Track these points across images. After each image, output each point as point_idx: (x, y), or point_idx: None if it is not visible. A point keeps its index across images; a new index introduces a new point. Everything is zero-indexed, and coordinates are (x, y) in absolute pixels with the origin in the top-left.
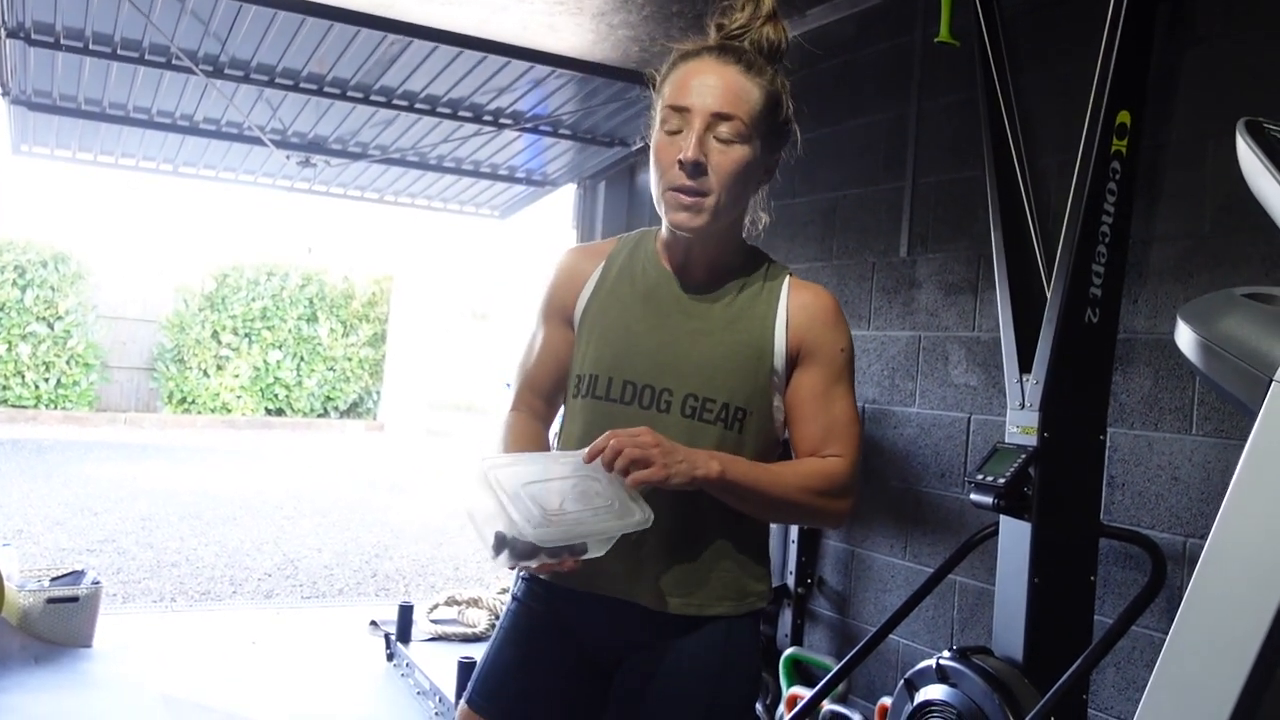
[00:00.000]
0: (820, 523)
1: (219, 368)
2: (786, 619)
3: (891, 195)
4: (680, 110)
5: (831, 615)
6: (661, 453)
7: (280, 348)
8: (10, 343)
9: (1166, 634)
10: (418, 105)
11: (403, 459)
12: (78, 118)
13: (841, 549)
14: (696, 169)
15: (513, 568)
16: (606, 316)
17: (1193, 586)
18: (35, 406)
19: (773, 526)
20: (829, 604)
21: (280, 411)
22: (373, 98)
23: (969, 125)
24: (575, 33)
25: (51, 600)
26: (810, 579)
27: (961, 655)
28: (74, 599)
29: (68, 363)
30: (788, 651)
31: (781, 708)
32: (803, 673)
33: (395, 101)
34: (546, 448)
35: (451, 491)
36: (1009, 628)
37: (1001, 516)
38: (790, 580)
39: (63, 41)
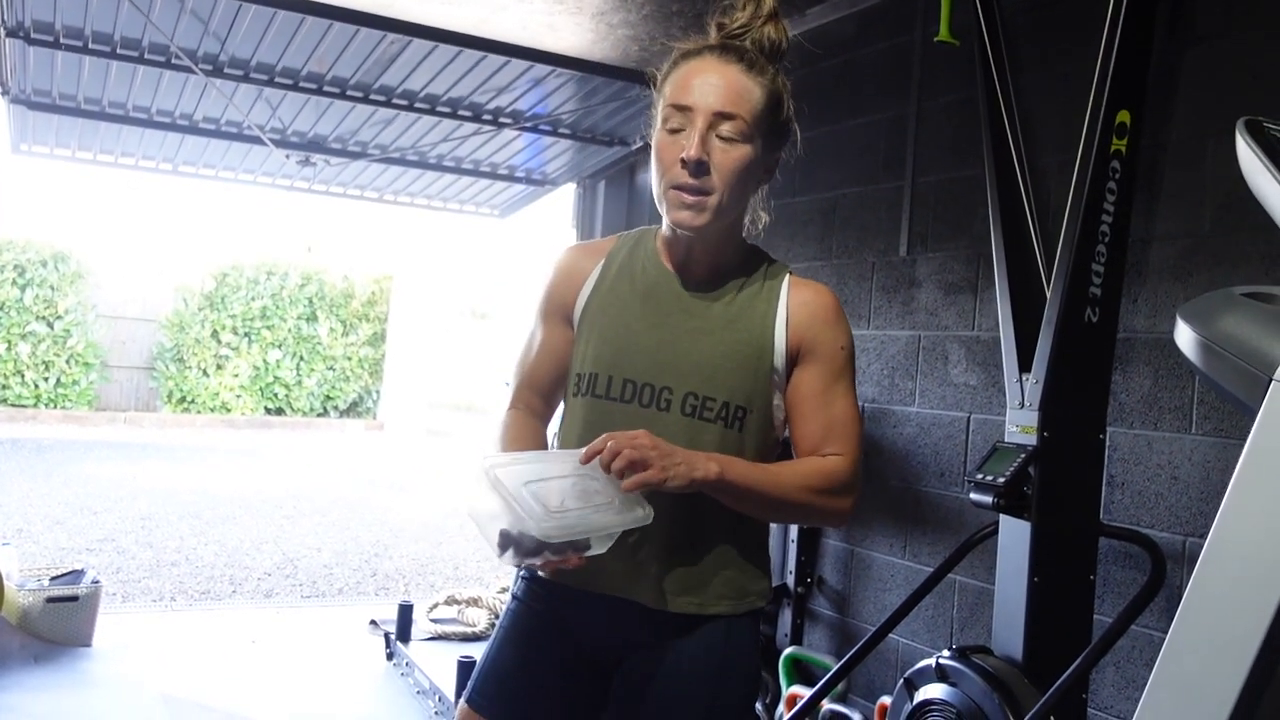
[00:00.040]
0: (822, 522)
1: (219, 367)
2: (786, 618)
3: (891, 194)
4: (683, 109)
5: (831, 614)
6: (659, 455)
7: (280, 347)
8: (10, 342)
9: (1166, 633)
10: (417, 104)
11: (402, 458)
12: (77, 117)
13: (841, 548)
14: (700, 168)
15: (518, 565)
16: (606, 315)
17: (1192, 585)
18: (35, 406)
19: (772, 526)
20: (828, 603)
21: (280, 411)
22: (372, 97)
23: (969, 124)
24: (575, 32)
25: (51, 599)
26: (810, 578)
27: (961, 654)
28: (73, 598)
29: (67, 362)
30: (787, 651)
31: (781, 707)
32: (802, 672)
33: (395, 101)
34: (545, 446)
35: (451, 491)
36: (1008, 627)
37: (1001, 516)
38: (790, 579)
39: (62, 40)
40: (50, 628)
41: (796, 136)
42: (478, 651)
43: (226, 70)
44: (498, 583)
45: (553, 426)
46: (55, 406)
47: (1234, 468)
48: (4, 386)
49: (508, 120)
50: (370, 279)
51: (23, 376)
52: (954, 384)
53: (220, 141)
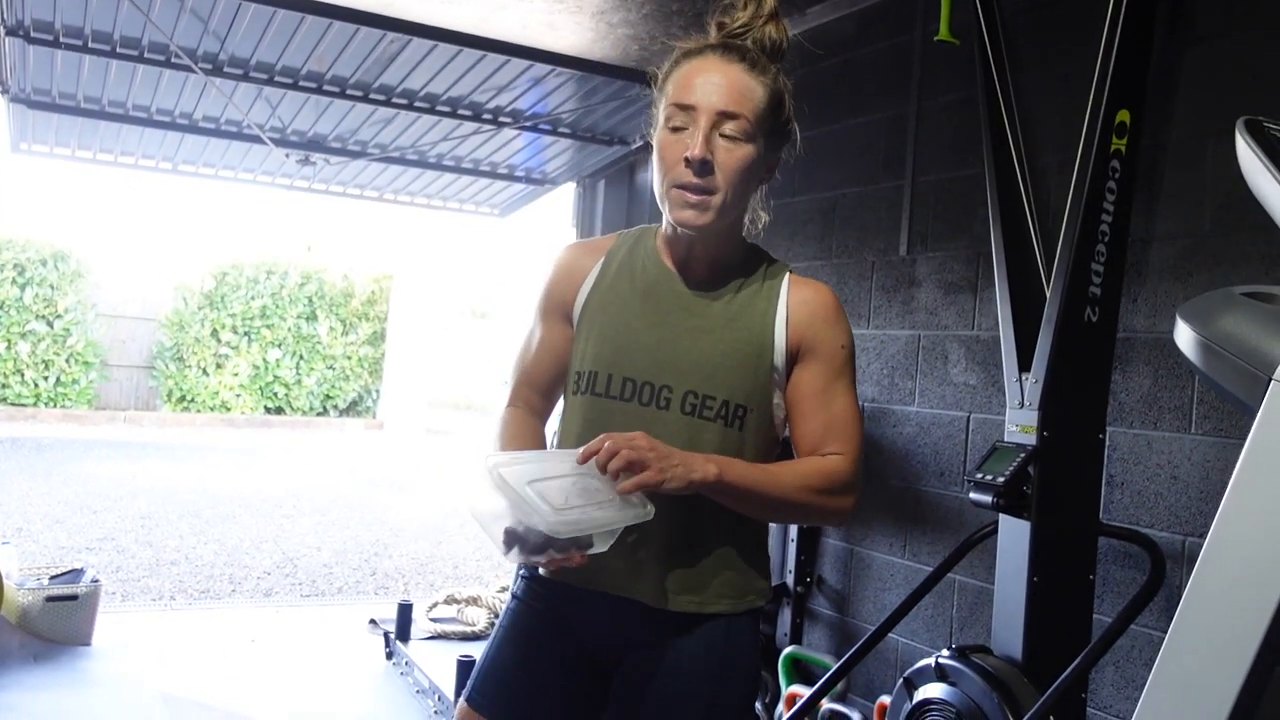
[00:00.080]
0: (822, 521)
1: (218, 366)
2: (786, 617)
3: (891, 194)
4: (685, 108)
5: (831, 614)
6: (657, 457)
7: (280, 346)
8: (10, 341)
9: (1165, 633)
10: (417, 103)
11: (402, 457)
12: (77, 116)
13: (841, 548)
14: (704, 167)
15: (524, 563)
16: (606, 313)
17: (1192, 585)
18: (35, 405)
19: (772, 525)
20: (828, 603)
21: (279, 410)
22: (372, 96)
23: (969, 124)
24: (575, 31)
25: (51, 598)
26: (809, 578)
27: (960, 654)
28: (73, 597)
29: (67, 361)
30: (787, 650)
31: (780, 706)
32: (802, 671)
33: (394, 100)
34: (544, 445)
35: (451, 490)
36: (1008, 626)
37: (1001, 515)
38: (789, 579)
39: (62, 39)
40: (50, 627)
41: (797, 136)
42: (477, 651)
43: (226, 69)
44: (497, 582)
45: (551, 424)
46: (55, 405)
47: (1234, 467)
48: (4, 385)
49: (507, 119)
50: (370, 278)
51: (22, 375)
52: (954, 383)
53: (220, 140)
